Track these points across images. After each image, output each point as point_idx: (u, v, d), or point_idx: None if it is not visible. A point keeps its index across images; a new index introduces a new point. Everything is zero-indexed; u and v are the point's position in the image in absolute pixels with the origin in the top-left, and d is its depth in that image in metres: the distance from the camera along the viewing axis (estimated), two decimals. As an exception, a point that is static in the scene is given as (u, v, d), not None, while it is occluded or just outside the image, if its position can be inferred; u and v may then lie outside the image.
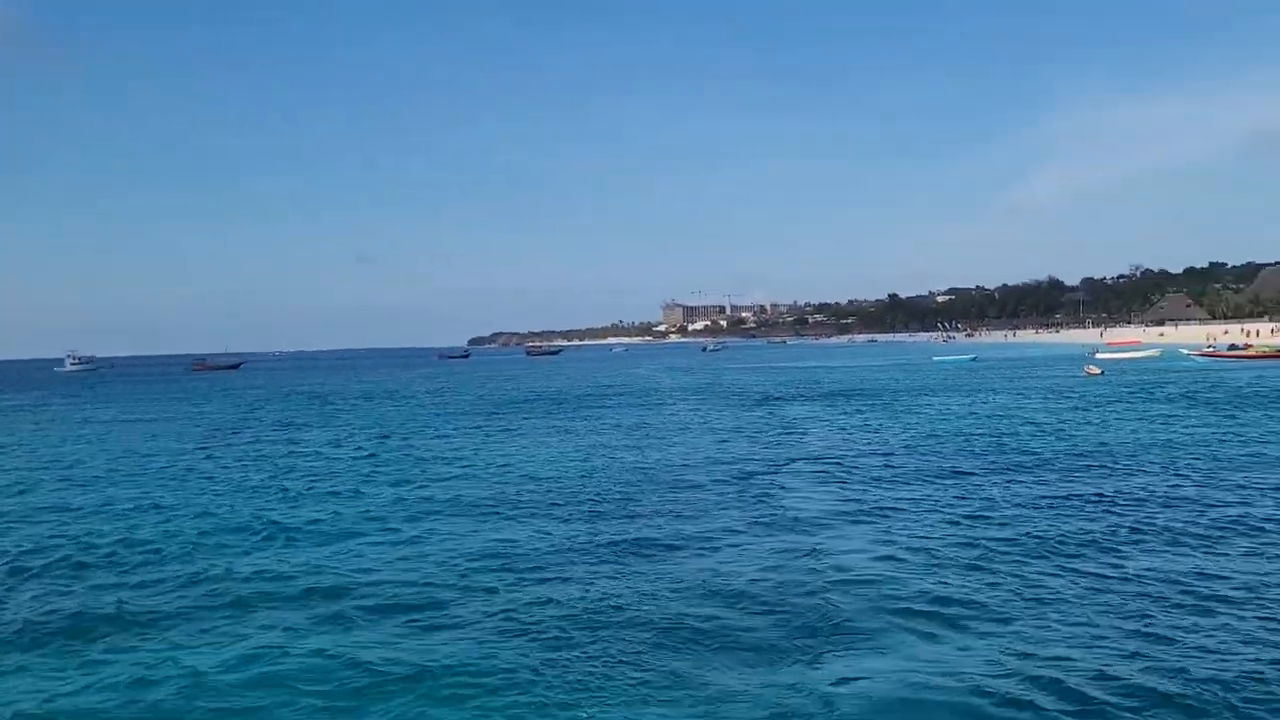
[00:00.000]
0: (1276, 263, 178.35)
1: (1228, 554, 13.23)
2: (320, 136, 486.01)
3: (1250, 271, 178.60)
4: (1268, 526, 14.88)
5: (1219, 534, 14.46)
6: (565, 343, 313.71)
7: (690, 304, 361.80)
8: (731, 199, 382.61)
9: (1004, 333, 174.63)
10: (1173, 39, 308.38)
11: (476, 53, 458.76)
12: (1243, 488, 18.44)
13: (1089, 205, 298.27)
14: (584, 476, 22.46)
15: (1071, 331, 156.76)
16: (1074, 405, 39.07)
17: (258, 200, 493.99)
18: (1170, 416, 32.92)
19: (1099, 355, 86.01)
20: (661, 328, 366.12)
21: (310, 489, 21.88)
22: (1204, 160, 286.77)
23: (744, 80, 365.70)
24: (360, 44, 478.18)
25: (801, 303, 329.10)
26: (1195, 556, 13.12)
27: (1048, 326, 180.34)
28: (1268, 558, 12.97)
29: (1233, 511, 16.10)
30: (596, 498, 19.33)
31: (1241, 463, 21.80)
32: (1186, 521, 15.34)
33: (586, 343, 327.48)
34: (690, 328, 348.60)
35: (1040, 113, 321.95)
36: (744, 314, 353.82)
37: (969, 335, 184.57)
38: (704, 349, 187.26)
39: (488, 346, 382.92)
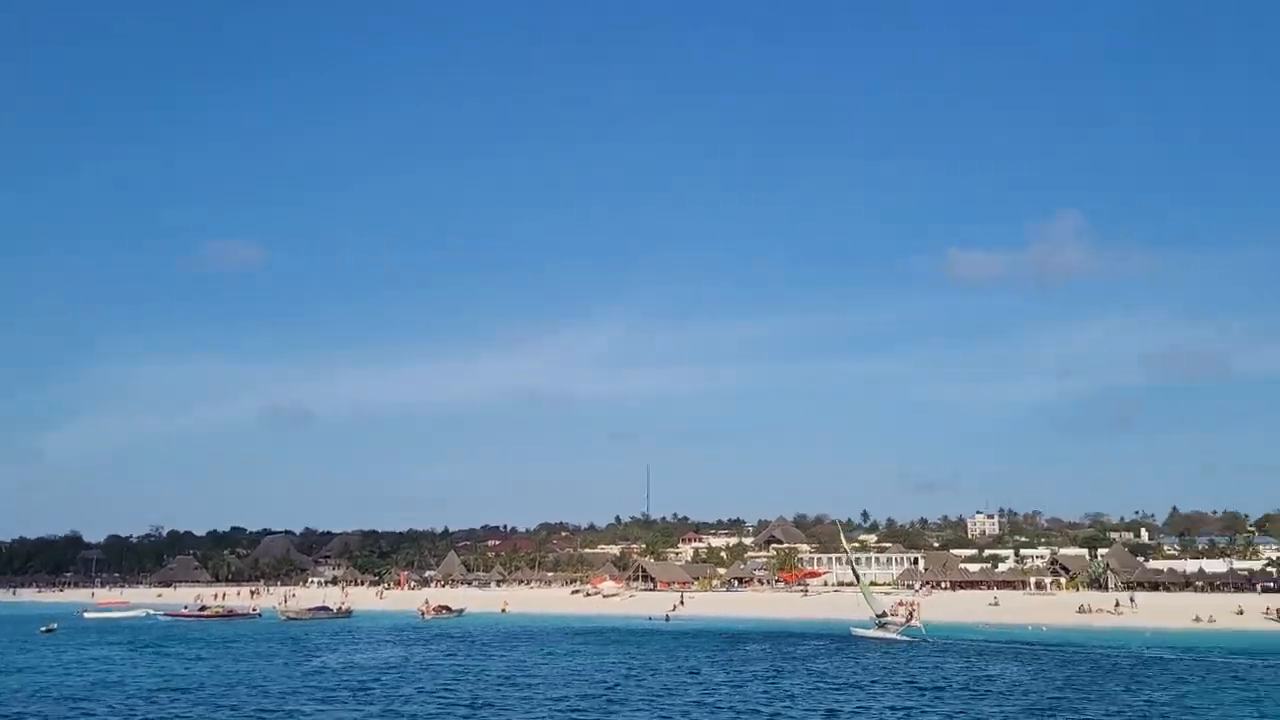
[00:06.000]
0: (282, 531, 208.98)
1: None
2: None
3: (260, 537, 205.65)
4: None
5: None
6: None
7: None
8: None
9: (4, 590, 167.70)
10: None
11: None
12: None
13: (126, 462, 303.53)
14: None
15: (77, 590, 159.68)
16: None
17: None
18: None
19: (87, 614, 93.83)
20: None
21: None
22: (231, 429, 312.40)
23: None
24: None
25: None
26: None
27: (56, 585, 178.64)
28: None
29: None
30: None
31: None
32: None
33: None
34: None
35: (76, 366, 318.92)
36: None
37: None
38: None
39: None
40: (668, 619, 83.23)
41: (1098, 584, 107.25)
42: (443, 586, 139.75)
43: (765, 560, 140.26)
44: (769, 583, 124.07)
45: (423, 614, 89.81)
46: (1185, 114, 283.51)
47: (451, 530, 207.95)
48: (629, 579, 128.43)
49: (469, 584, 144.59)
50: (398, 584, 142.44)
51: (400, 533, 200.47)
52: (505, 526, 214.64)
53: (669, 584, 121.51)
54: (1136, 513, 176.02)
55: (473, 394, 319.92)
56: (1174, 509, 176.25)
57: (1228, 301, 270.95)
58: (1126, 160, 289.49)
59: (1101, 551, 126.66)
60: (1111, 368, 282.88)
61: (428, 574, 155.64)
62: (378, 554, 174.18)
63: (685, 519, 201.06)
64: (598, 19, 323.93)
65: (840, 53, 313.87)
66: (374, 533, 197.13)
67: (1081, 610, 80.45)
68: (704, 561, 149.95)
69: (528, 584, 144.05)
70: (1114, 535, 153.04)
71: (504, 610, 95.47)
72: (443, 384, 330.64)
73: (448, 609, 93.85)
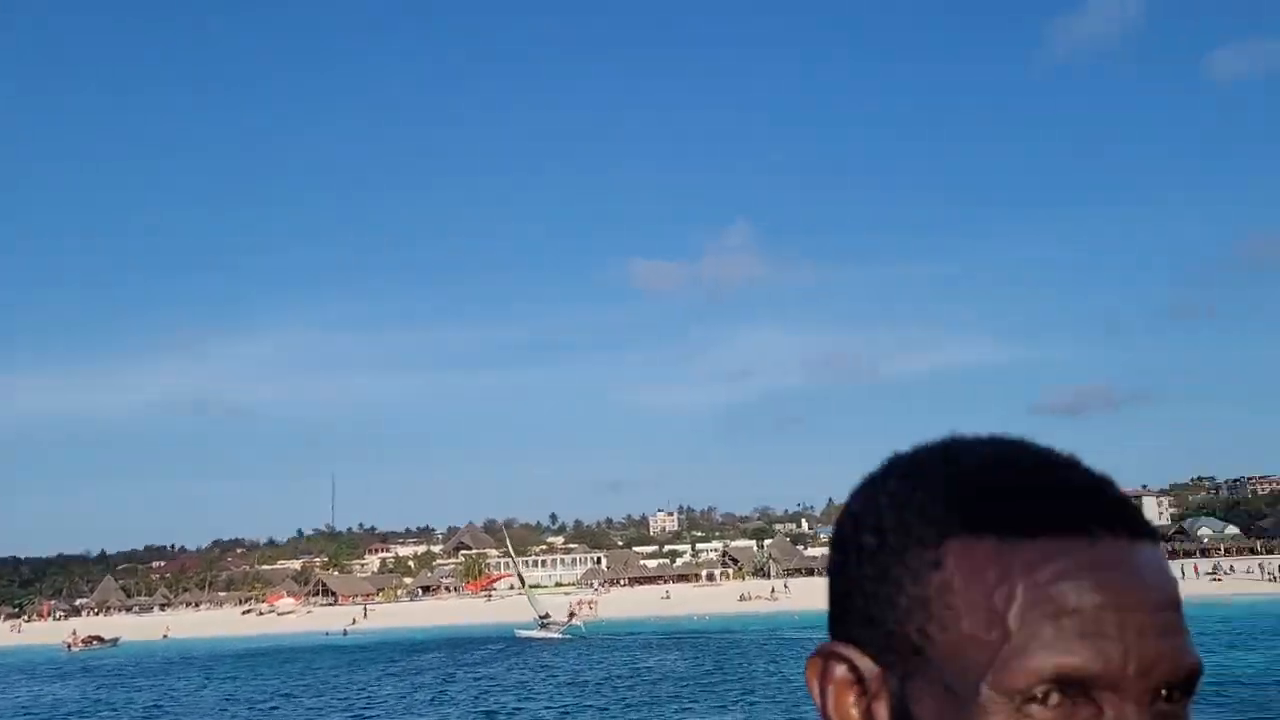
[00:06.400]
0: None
1: None
2: None
3: None
4: None
5: None
6: None
7: None
8: None
9: None
10: None
11: None
12: None
13: None
14: None
15: None
16: None
17: None
18: None
19: None
20: None
21: None
22: None
23: None
24: None
25: None
26: None
27: None
28: None
29: None
30: None
31: None
32: None
33: None
34: None
35: None
36: None
37: None
38: None
39: None
40: (345, 633, 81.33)
41: (762, 573, 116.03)
42: (97, 615, 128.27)
43: (454, 568, 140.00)
44: (456, 590, 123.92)
45: (69, 646, 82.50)
46: (853, 133, 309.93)
47: (109, 553, 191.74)
48: (308, 594, 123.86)
49: (128, 610, 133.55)
50: (40, 615, 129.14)
51: (48, 558, 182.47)
52: (173, 546, 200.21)
53: (351, 597, 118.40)
54: (799, 505, 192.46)
55: (134, 403, 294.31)
56: (830, 500, 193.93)
57: (875, 312, 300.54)
58: (793, 175, 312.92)
59: (767, 542, 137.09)
60: (778, 370, 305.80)
61: (79, 602, 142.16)
62: (18, 583, 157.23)
63: (373, 529, 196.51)
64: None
65: (543, 53, 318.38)
66: (14, 559, 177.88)
67: (742, 598, 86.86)
68: (391, 571, 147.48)
69: (196, 606, 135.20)
70: (779, 527, 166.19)
71: (165, 636, 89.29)
72: (98, 392, 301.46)
73: (99, 639, 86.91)
